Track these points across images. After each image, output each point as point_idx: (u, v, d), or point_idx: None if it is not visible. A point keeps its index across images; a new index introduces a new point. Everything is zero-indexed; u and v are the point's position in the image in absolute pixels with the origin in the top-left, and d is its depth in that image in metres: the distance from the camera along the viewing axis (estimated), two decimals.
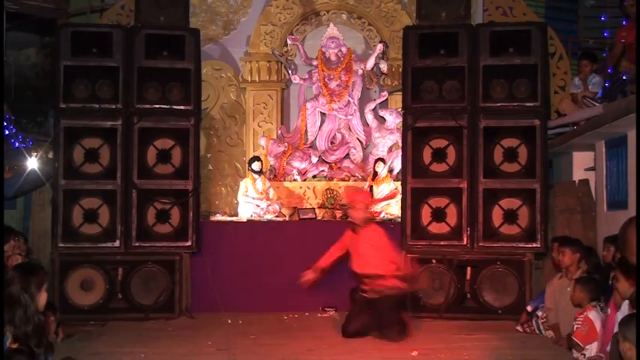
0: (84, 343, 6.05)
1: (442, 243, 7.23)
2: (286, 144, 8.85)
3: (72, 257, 7.29)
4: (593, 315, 5.25)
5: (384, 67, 8.91)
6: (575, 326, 5.32)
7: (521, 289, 7.08)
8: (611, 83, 8.07)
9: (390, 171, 8.52)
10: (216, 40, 9.30)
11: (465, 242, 7.17)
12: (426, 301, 7.21)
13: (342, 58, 8.98)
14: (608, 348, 4.49)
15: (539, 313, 6.39)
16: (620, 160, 7.22)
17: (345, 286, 7.64)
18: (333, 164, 8.96)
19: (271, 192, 8.40)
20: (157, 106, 7.48)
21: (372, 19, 9.17)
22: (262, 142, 8.87)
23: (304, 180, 8.77)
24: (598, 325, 5.20)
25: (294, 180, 8.76)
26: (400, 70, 8.18)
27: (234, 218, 8.26)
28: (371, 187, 8.33)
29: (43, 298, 3.97)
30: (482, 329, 6.54)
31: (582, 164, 8.48)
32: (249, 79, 9.14)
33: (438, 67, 7.36)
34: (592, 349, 5.19)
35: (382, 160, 8.42)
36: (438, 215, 7.29)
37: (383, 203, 8.22)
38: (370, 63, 8.93)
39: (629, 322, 3.65)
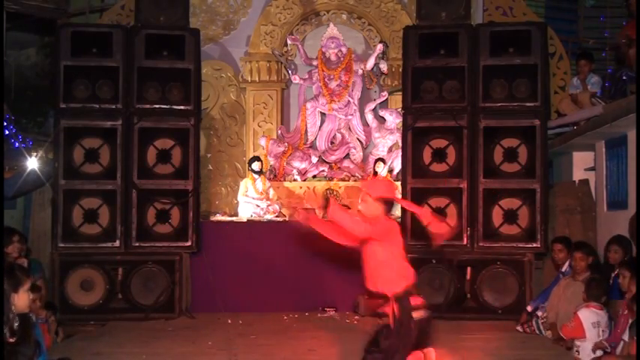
0: (84, 343, 6.05)
1: (442, 243, 7.20)
2: (286, 144, 8.85)
3: (72, 257, 7.29)
4: (584, 314, 5.26)
5: (384, 67, 8.91)
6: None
7: (521, 289, 7.07)
8: (611, 83, 8.07)
9: (390, 171, 8.52)
10: (216, 40, 9.30)
11: (465, 242, 7.16)
12: (426, 301, 7.19)
13: (342, 58, 8.98)
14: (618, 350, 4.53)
15: (539, 313, 6.40)
16: (620, 160, 7.22)
17: (344, 286, 7.65)
18: (333, 164, 8.96)
19: (271, 192, 8.40)
20: (157, 106, 7.48)
21: (372, 19, 9.16)
22: (262, 142, 8.87)
23: (304, 180, 8.77)
24: (586, 325, 5.20)
25: (294, 180, 8.76)
26: (400, 70, 8.18)
27: (234, 218, 8.26)
28: None
29: (22, 300, 3.94)
30: (482, 329, 6.54)
31: (582, 164, 8.47)
32: (249, 79, 9.14)
33: (438, 67, 7.36)
34: (585, 347, 5.20)
35: (382, 160, 8.42)
36: (438, 215, 7.29)
37: None
38: (370, 63, 8.93)
39: None
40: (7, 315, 3.84)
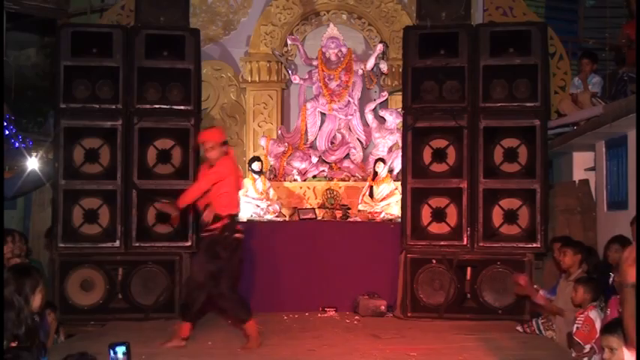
0: (84, 343, 6.03)
1: (442, 243, 7.23)
2: (286, 144, 8.85)
3: (72, 257, 7.28)
4: (594, 315, 5.26)
5: (384, 67, 8.91)
6: (576, 326, 5.33)
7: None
8: (613, 84, 8.08)
9: (390, 171, 8.52)
10: (216, 40, 9.30)
11: (465, 242, 7.16)
12: (426, 301, 7.21)
13: (342, 58, 8.98)
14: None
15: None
16: (620, 160, 7.23)
17: (344, 286, 7.66)
18: (333, 164, 8.96)
19: (271, 192, 8.40)
20: (157, 106, 7.47)
21: (372, 19, 9.17)
22: (262, 142, 8.87)
23: (304, 180, 8.77)
24: (598, 325, 5.20)
25: (294, 180, 8.76)
26: (400, 70, 8.18)
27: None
28: (371, 187, 8.33)
29: (37, 300, 3.95)
30: (482, 329, 6.53)
31: (582, 164, 8.48)
32: (249, 79, 9.14)
33: (438, 67, 7.35)
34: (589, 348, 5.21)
35: (382, 160, 8.42)
36: (438, 215, 7.29)
37: (383, 203, 8.23)
38: (370, 63, 8.93)
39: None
40: (24, 318, 3.84)
